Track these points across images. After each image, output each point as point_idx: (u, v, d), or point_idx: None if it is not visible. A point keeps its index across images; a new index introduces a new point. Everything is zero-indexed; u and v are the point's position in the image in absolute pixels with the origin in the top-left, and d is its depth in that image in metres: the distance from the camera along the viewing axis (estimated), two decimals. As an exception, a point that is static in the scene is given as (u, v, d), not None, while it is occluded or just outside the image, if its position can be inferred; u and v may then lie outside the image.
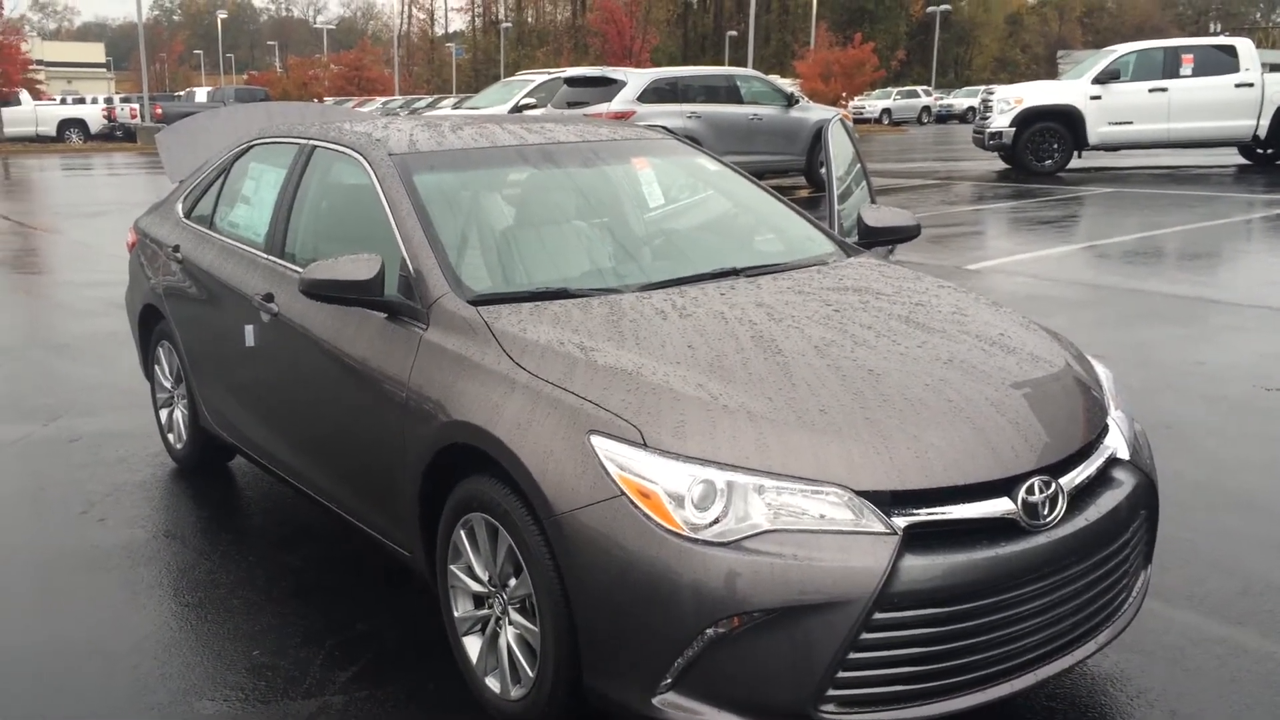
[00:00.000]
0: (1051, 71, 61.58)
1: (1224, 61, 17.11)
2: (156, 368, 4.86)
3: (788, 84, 19.77)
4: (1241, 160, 18.60)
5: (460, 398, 2.81)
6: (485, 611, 2.86)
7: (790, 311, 3.00)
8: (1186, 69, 17.02)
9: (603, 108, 13.98)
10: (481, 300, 3.02)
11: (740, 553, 2.29)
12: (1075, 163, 17.90)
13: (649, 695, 2.38)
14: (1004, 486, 2.43)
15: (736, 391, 2.54)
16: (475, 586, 2.87)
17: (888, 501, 2.35)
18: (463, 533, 2.86)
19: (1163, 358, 6.28)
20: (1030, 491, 2.44)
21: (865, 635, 2.27)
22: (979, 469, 2.42)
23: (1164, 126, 16.99)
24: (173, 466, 4.84)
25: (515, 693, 2.74)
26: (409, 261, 3.17)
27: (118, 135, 35.61)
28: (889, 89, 54.93)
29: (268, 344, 3.73)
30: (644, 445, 2.42)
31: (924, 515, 2.35)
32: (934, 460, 2.40)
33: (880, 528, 2.31)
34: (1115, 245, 10.60)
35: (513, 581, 2.73)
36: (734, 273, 3.33)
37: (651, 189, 3.94)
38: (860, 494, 2.34)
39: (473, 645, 2.91)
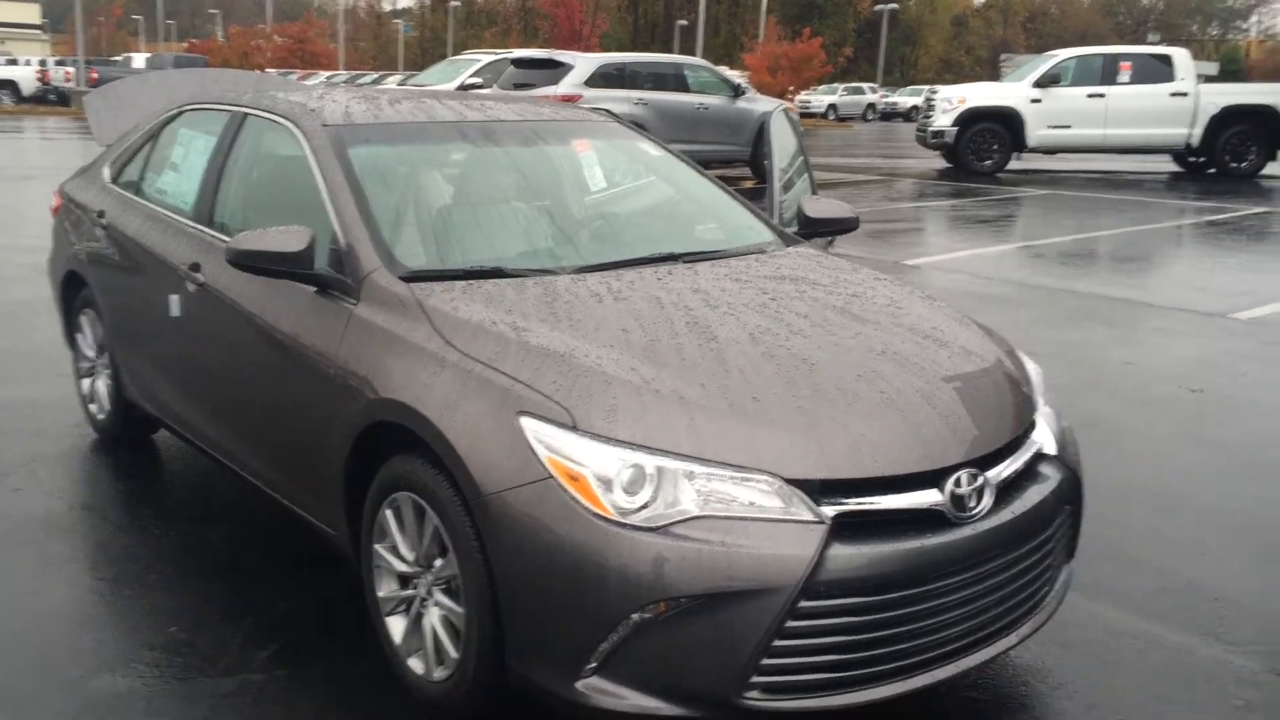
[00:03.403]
0: (994, 74, 62.46)
1: (1160, 70, 17.46)
2: (78, 336, 4.72)
3: (736, 76, 19.78)
4: (1174, 167, 19.01)
5: (389, 375, 2.76)
6: (410, 592, 2.82)
7: (726, 299, 2.98)
8: (1124, 76, 17.34)
9: (549, 90, 13.87)
10: (414, 277, 2.97)
11: (668, 538, 2.27)
12: (1014, 164, 18.16)
13: (572, 679, 2.36)
14: (932, 478, 2.44)
15: (669, 377, 2.52)
16: (400, 567, 2.82)
17: (817, 490, 2.35)
18: (389, 512, 2.81)
19: (1092, 357, 6.39)
20: (958, 484, 2.45)
21: (790, 623, 2.27)
22: (908, 460, 2.43)
23: (1101, 132, 17.31)
24: (94, 438, 4.71)
25: (438, 674, 2.70)
26: (340, 235, 3.10)
27: (51, 99, 34.60)
28: (835, 85, 55.23)
29: (193, 315, 3.64)
30: (574, 428, 2.39)
31: (852, 505, 2.35)
32: (863, 450, 2.40)
33: (808, 516, 2.31)
34: (1050, 246, 10.77)
35: (438, 562, 2.69)
36: (672, 258, 3.30)
37: (593, 172, 3.90)
38: (790, 482, 2.33)
39: (396, 626, 2.86)
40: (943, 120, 17.54)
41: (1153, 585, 3.51)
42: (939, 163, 19.54)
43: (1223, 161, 17.46)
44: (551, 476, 2.36)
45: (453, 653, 2.64)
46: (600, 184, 3.91)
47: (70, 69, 34.96)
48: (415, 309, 2.84)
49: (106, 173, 4.57)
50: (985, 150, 17.56)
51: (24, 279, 8.18)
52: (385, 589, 2.89)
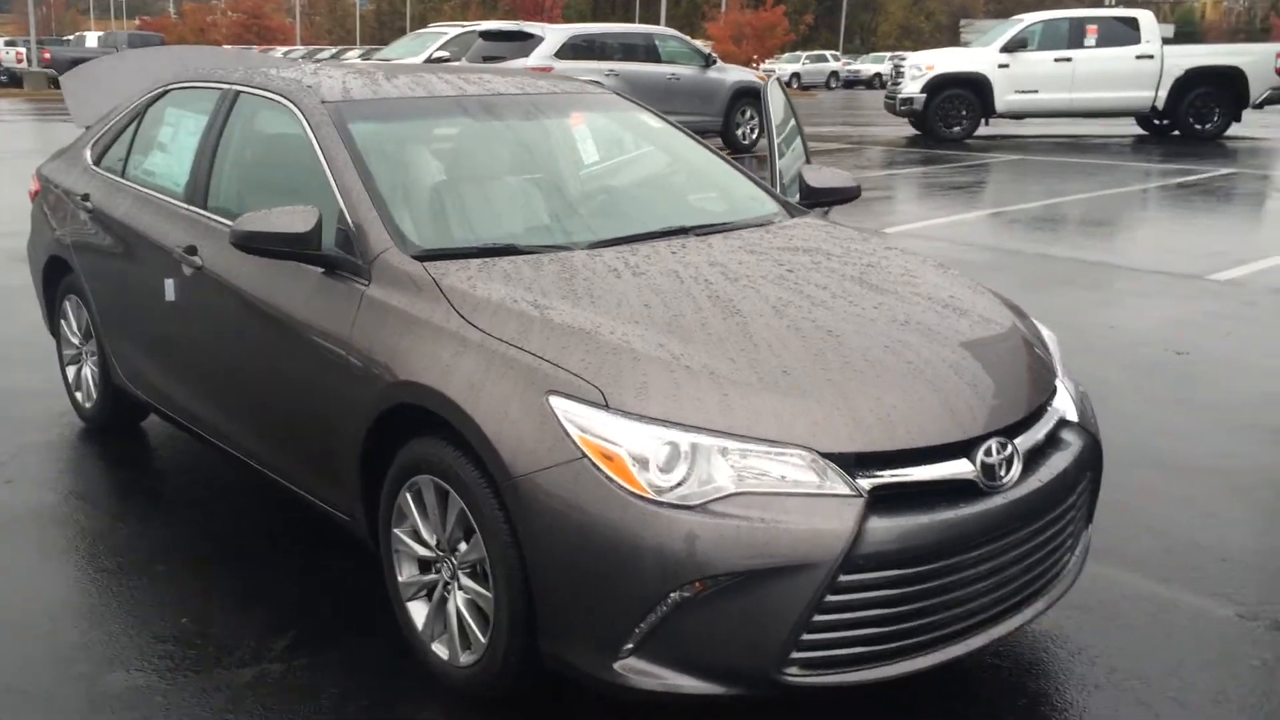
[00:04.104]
0: (954, 40, 62.54)
1: (1126, 33, 17.55)
2: (63, 322, 4.61)
3: (700, 45, 19.65)
4: (1139, 131, 19.15)
5: (407, 357, 2.71)
6: (432, 576, 2.78)
7: (744, 271, 2.95)
8: (1090, 39, 17.42)
9: (519, 63, 13.72)
10: (427, 256, 2.91)
11: (705, 515, 2.25)
12: (982, 130, 18.22)
13: (610, 660, 2.34)
14: (962, 448, 2.43)
15: (698, 352, 2.49)
16: (421, 551, 2.79)
17: (851, 464, 2.33)
18: (409, 496, 2.77)
19: (1076, 322, 6.42)
20: (988, 453, 2.45)
21: (830, 598, 2.26)
22: (939, 431, 2.42)
23: (1068, 96, 17.39)
24: (81, 426, 4.62)
25: (465, 659, 2.67)
26: (348, 215, 3.04)
27: (2, 80, 33.84)
28: (798, 53, 55.11)
29: (190, 298, 3.56)
30: (606, 406, 2.36)
31: (887, 477, 2.34)
32: (896, 422, 2.39)
33: (845, 490, 2.29)
34: (1023, 211, 10.82)
35: (463, 546, 2.66)
36: (683, 231, 3.27)
37: (586, 145, 3.85)
38: (825, 456, 2.32)
39: (418, 611, 2.83)
40: (911, 87, 17.55)
41: (1160, 547, 3.54)
42: (907, 130, 19.56)
43: (1187, 124, 17.61)
44: (584, 456, 2.33)
45: (480, 637, 2.61)
46: (593, 157, 3.86)
47: (21, 50, 34.19)
48: (431, 288, 2.78)
49: (88, 155, 4.45)
50: (954, 116, 17.60)
51: (-4, 265, 8.00)
52: (405, 574, 2.86)
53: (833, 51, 59.24)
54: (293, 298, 3.11)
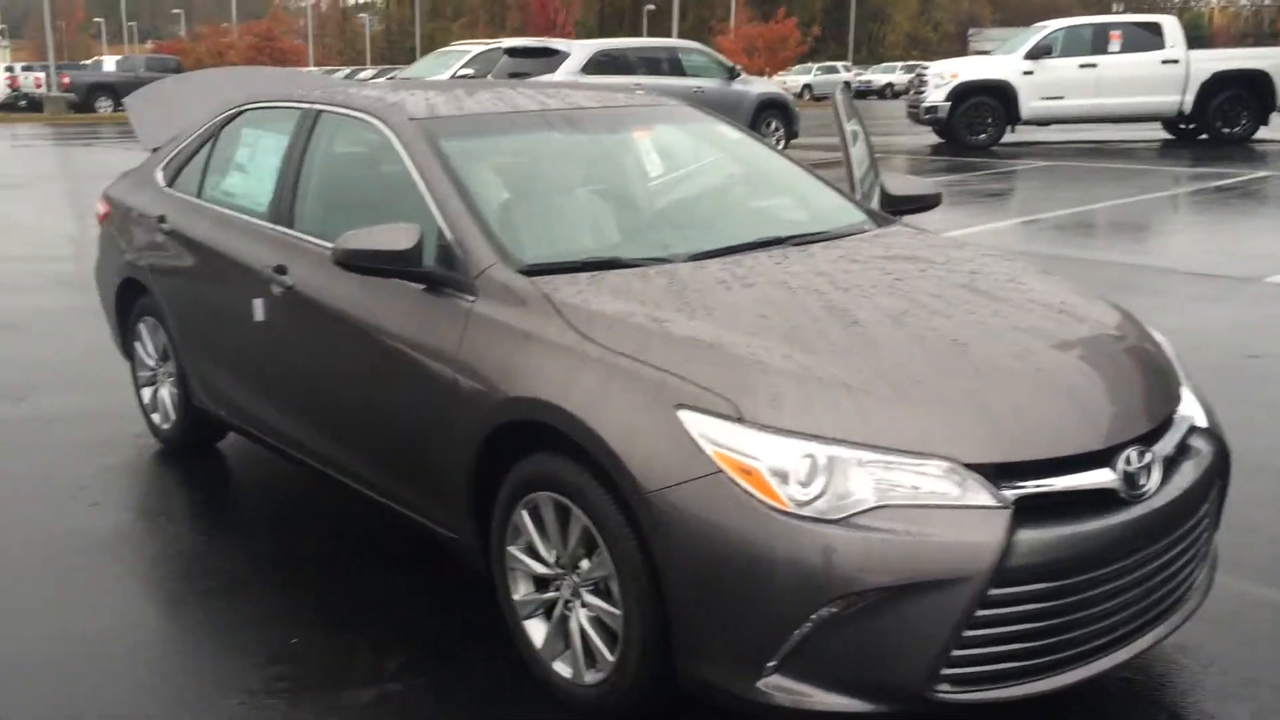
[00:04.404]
0: (963, 49, 62.52)
1: (1150, 39, 17.49)
2: (137, 344, 4.61)
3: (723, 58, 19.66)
4: (1165, 135, 19.07)
5: (522, 372, 2.68)
6: (550, 594, 2.75)
7: (853, 281, 2.92)
8: (1115, 45, 17.36)
9: (546, 79, 13.74)
10: (532, 270, 2.89)
11: (851, 530, 2.21)
12: (1007, 137, 18.17)
13: (753, 679, 2.30)
14: (1102, 457, 2.39)
15: (825, 363, 2.46)
16: (538, 568, 2.76)
17: (993, 474, 2.29)
18: (524, 513, 2.74)
19: (1137, 327, 6.36)
20: (1128, 462, 2.41)
21: (980, 612, 2.22)
22: (1080, 439, 2.38)
23: (1094, 101, 17.33)
24: (158, 447, 4.61)
25: (590, 677, 2.64)
26: (447, 231, 3.02)
27: (22, 105, 34.12)
28: (809, 64, 55.18)
29: (280, 318, 3.54)
30: (740, 420, 2.33)
31: (1031, 487, 2.30)
32: (1036, 431, 2.35)
33: (991, 501, 2.25)
34: (1064, 217, 10.76)
35: (585, 563, 2.63)
36: (778, 241, 3.24)
37: (669, 158, 3.83)
38: (967, 466, 2.28)
39: (536, 629, 2.80)
40: (935, 95, 17.52)
41: (1272, 553, 3.49)
42: (930, 138, 19.52)
43: (1214, 127, 17.53)
44: (721, 471, 2.30)
45: (607, 655, 2.58)
46: (678, 169, 3.84)
47: (40, 75, 34.46)
48: (542, 303, 2.76)
49: (160, 176, 4.45)
50: (979, 124, 17.56)
51: (39, 289, 8.05)
52: (521, 592, 2.83)
53: (844, 62, 59.30)
54: (393, 315, 3.09)
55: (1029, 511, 2.28)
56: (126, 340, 4.70)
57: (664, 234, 3.30)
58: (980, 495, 2.26)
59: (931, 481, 2.27)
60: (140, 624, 3.21)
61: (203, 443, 4.55)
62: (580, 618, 2.66)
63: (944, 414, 2.35)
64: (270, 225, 3.67)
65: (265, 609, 3.28)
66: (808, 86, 51.13)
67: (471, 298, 2.90)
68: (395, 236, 2.91)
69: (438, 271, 2.98)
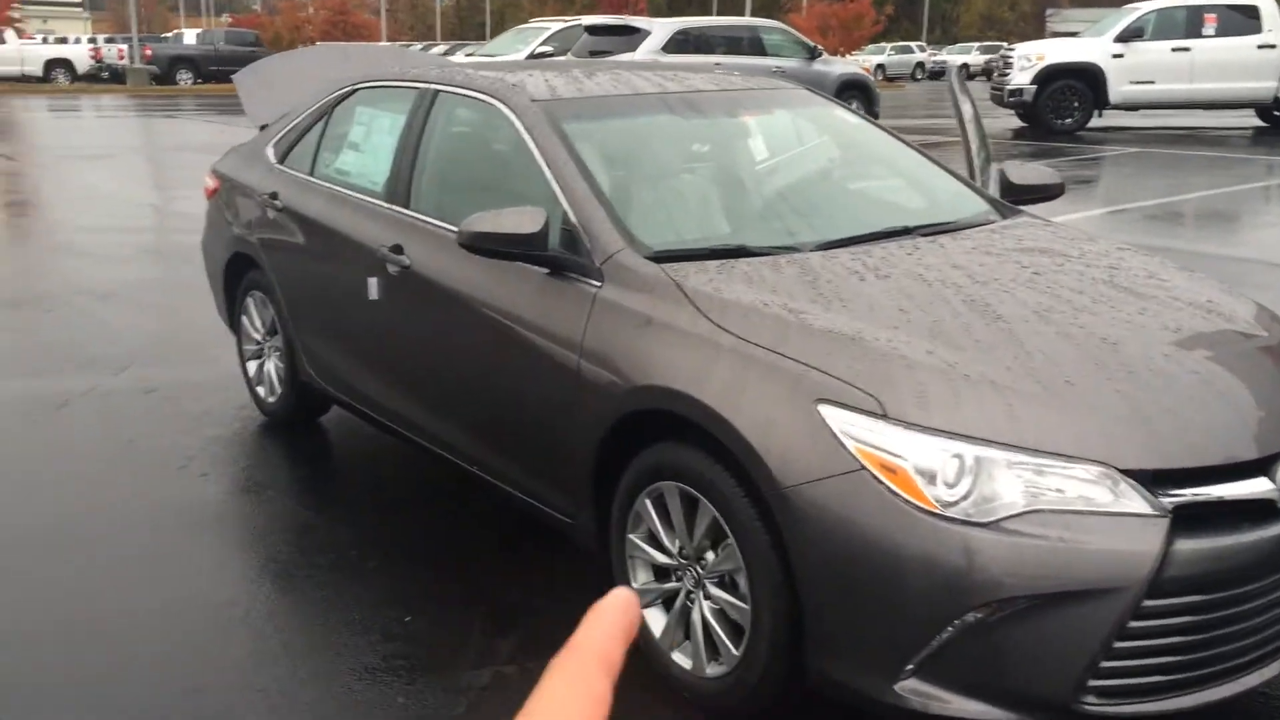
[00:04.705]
0: (1039, 30, 61.10)
1: (1245, 22, 16.90)
2: (244, 318, 4.66)
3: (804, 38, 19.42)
4: (1258, 122, 18.47)
5: (651, 361, 2.65)
6: (672, 585, 2.73)
7: (990, 274, 2.85)
8: (1209, 29, 16.81)
9: (626, 58, 13.67)
10: (662, 257, 2.86)
11: (1002, 534, 2.16)
12: (1094, 121, 17.72)
13: (889, 681, 2.26)
14: (1260, 466, 2.31)
15: (971, 360, 2.39)
16: (659, 558, 2.74)
17: (1149, 481, 2.22)
18: (648, 501, 2.72)
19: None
20: None
21: (1133, 624, 2.16)
22: (1237, 447, 2.29)
23: (1186, 87, 16.83)
24: (262, 420, 4.66)
25: (712, 670, 2.62)
26: (572, 215, 2.99)
27: (104, 76, 34.78)
28: (882, 44, 54.37)
29: (395, 297, 3.55)
30: (884, 416, 2.28)
31: (1188, 496, 2.23)
32: (1194, 437, 2.28)
33: (1148, 509, 2.18)
34: (1161, 206, 10.47)
35: (710, 555, 2.60)
36: (906, 231, 3.17)
37: (789, 143, 3.77)
38: (1124, 472, 2.21)
39: (654, 618, 2.78)
40: (1020, 78, 17.12)
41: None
42: (1013, 122, 19.08)
43: (1311, 115, 16.94)
44: (864, 468, 2.25)
45: (732, 649, 2.55)
46: (797, 155, 3.77)
47: (123, 46, 35.09)
48: (672, 291, 2.73)
49: (271, 153, 4.48)
50: (1065, 108, 17.13)
51: (134, 259, 8.19)
52: (640, 580, 2.81)
53: (918, 42, 58.35)
54: (514, 299, 3.08)
55: (1184, 521, 2.21)
56: (233, 314, 4.75)
57: (789, 222, 3.25)
58: (1136, 502, 2.19)
59: (1084, 487, 2.20)
60: (254, 597, 3.25)
61: (307, 417, 4.60)
62: (703, 609, 2.64)
63: (1098, 416, 2.28)
64: (386, 205, 3.68)
65: (376, 586, 3.30)
66: (881, 66, 50.38)
67: (597, 283, 2.88)
68: (521, 220, 2.89)
69: (562, 256, 2.96)
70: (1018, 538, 2.15)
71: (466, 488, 3.84)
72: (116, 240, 8.87)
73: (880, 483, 2.23)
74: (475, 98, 3.53)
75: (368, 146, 3.99)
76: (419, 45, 41.97)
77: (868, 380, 2.34)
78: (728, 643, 2.57)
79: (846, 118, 3.89)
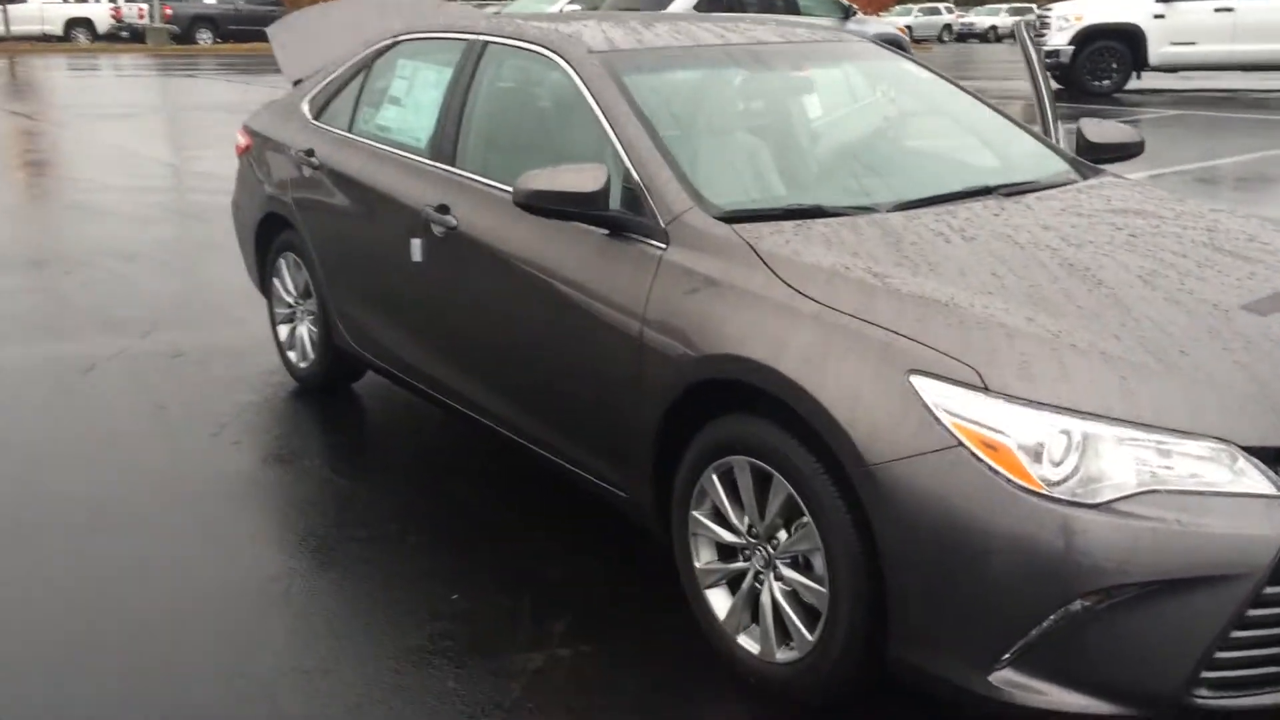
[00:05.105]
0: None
1: (1291, -19, 16.44)
2: (275, 280, 4.50)
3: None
4: (1299, 86, 18.04)
5: (724, 328, 2.48)
6: (739, 565, 2.57)
7: (1084, 236, 2.66)
8: (1253, -12, 16.35)
9: (658, 14, 13.37)
10: (733, 217, 2.68)
11: (1112, 515, 1.99)
12: (1132, 84, 17.32)
13: (983, 671, 2.10)
14: (1389, 444, 2.12)
15: (1076, 328, 2.21)
16: (726, 536, 2.58)
17: (1272, 459, 2.04)
18: (715, 477, 2.56)
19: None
20: None
21: (1252, 612, 1.99)
22: (1367, 424, 2.10)
23: (1228, 48, 16.38)
24: (293, 386, 4.52)
25: (783, 655, 2.46)
26: (635, 172, 2.81)
27: (124, 36, 34.52)
28: (909, 5, 53.53)
29: (440, 260, 3.38)
30: (985, 389, 2.10)
31: (1316, 476, 2.04)
32: (1321, 413, 2.09)
33: (1271, 489, 2.01)
34: (1212, 169, 10.15)
35: (783, 534, 2.44)
36: (986, 191, 2.98)
37: (860, 97, 3.57)
38: (1245, 450, 2.03)
39: (719, 599, 2.63)
40: (1058, 39, 16.71)
41: None
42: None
43: (1357, 78, 16.49)
44: (961, 444, 2.08)
45: (805, 633, 2.40)
46: (870, 110, 3.57)
47: (143, 6, 34.80)
48: (746, 253, 2.55)
49: (306, 108, 4.31)
50: (1103, 70, 16.72)
51: (159, 219, 8.05)
52: (704, 559, 2.66)
53: (945, 4, 57.42)
54: (571, 261, 2.90)
55: (1309, 503, 2.03)
56: (265, 276, 4.60)
57: (863, 180, 3.06)
58: (1259, 482, 2.01)
59: (1201, 465, 2.03)
60: (294, 573, 3.11)
61: (340, 383, 4.45)
62: (774, 591, 2.48)
63: (1215, 389, 2.10)
64: (431, 162, 3.50)
65: (419, 562, 3.16)
66: (908, 28, 49.57)
67: (662, 245, 2.70)
68: (581, 178, 2.72)
69: (623, 216, 2.79)
70: (1130, 520, 1.98)
71: (511, 458, 3.69)
72: (138, 200, 8.73)
73: (980, 460, 2.06)
74: (528, 49, 3.33)
75: (410, 101, 3.81)
76: None
77: (965, 350, 2.16)
78: (800, 626, 2.41)
79: (916, 72, 3.68)
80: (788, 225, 2.64)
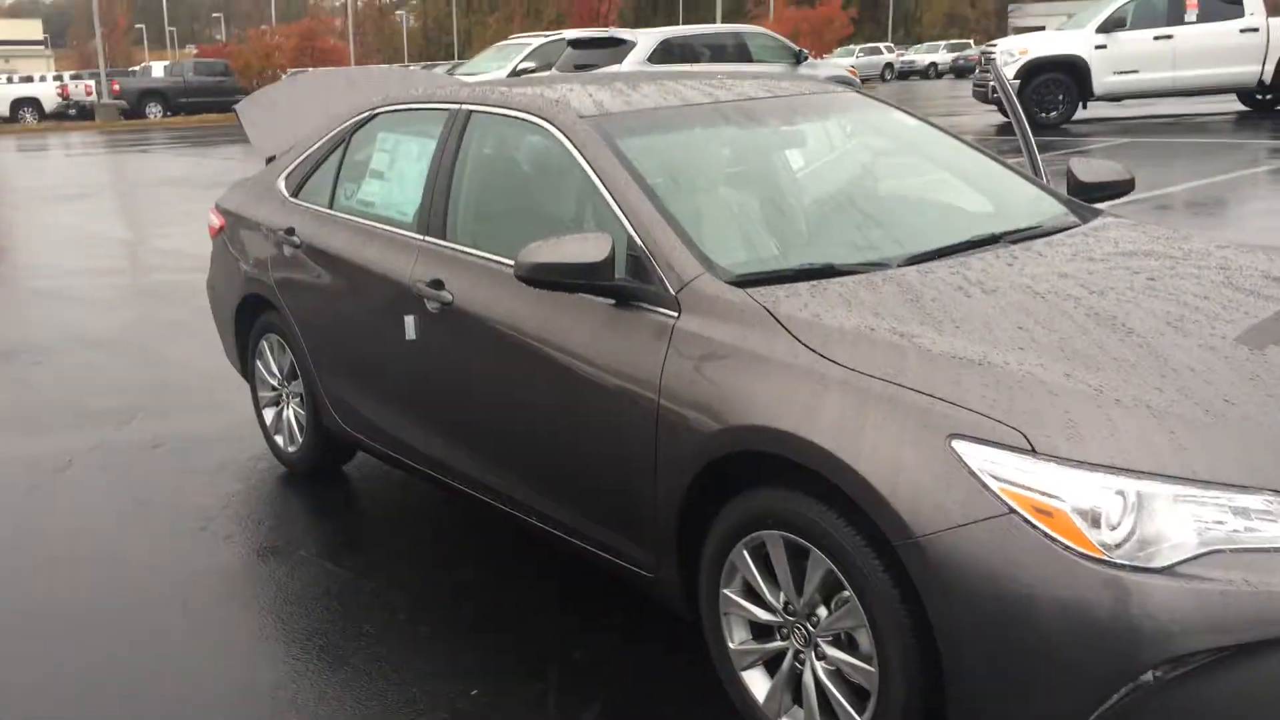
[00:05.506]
0: (1002, 27, 61.34)
1: (1227, 7, 16.83)
2: (259, 363, 4.37)
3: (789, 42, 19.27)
4: (1240, 107, 18.42)
5: (747, 398, 2.39)
6: (777, 644, 2.46)
7: (1103, 283, 2.61)
8: (1191, 15, 16.73)
9: (614, 69, 13.44)
10: (745, 281, 2.60)
11: (1178, 579, 1.91)
12: (1079, 114, 17.61)
13: (1055, 750, 2.00)
14: None
15: (1115, 381, 2.15)
16: (761, 614, 2.47)
17: (1333, 510, 1.98)
18: (746, 553, 2.46)
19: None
20: None
21: (1334, 671, 1.91)
22: None
23: (1170, 75, 16.73)
24: (281, 471, 4.37)
25: (830, 739, 2.35)
26: (639, 239, 2.74)
27: (72, 114, 34.32)
28: (851, 46, 54.41)
29: (437, 336, 3.28)
30: (1032, 452, 2.02)
31: (1377, 525, 1.98)
32: (1378, 459, 2.03)
33: (1337, 542, 1.94)
34: (1167, 196, 10.29)
35: (823, 610, 2.34)
36: (993, 239, 2.93)
37: (852, 149, 3.52)
38: (1306, 501, 1.96)
39: (756, 682, 2.52)
40: (1005, 73, 16.97)
41: None
42: (995, 118, 19.00)
43: (1294, 97, 16.87)
44: (1013, 511, 2.00)
45: (854, 715, 2.29)
46: (863, 162, 3.53)
47: (89, 82, 34.66)
48: (764, 318, 2.47)
49: (283, 186, 4.21)
50: (1050, 101, 17.00)
51: (123, 303, 7.88)
52: (737, 640, 2.55)
53: (885, 44, 58.45)
54: (577, 334, 2.81)
55: (1372, 553, 1.96)
56: (246, 359, 4.46)
57: (869, 234, 2.99)
58: (1324, 536, 1.94)
59: (1263, 521, 1.95)
60: (302, 676, 2.96)
61: (330, 466, 4.31)
62: (817, 671, 2.38)
63: (1265, 438, 2.04)
64: (420, 236, 3.40)
65: (433, 655, 3.02)
66: (854, 69, 50.41)
67: (674, 313, 2.62)
68: (586, 248, 2.63)
69: (632, 285, 2.70)
70: (1198, 583, 1.90)
71: (517, 538, 3.57)
72: (101, 283, 8.56)
73: (1034, 527, 1.98)
74: (515, 117, 3.26)
75: (394, 175, 3.72)
76: (417, 66, 41.62)
77: (1007, 412, 2.09)
78: (848, 707, 2.31)
79: (904, 120, 3.65)
80: (802, 287, 2.57)
